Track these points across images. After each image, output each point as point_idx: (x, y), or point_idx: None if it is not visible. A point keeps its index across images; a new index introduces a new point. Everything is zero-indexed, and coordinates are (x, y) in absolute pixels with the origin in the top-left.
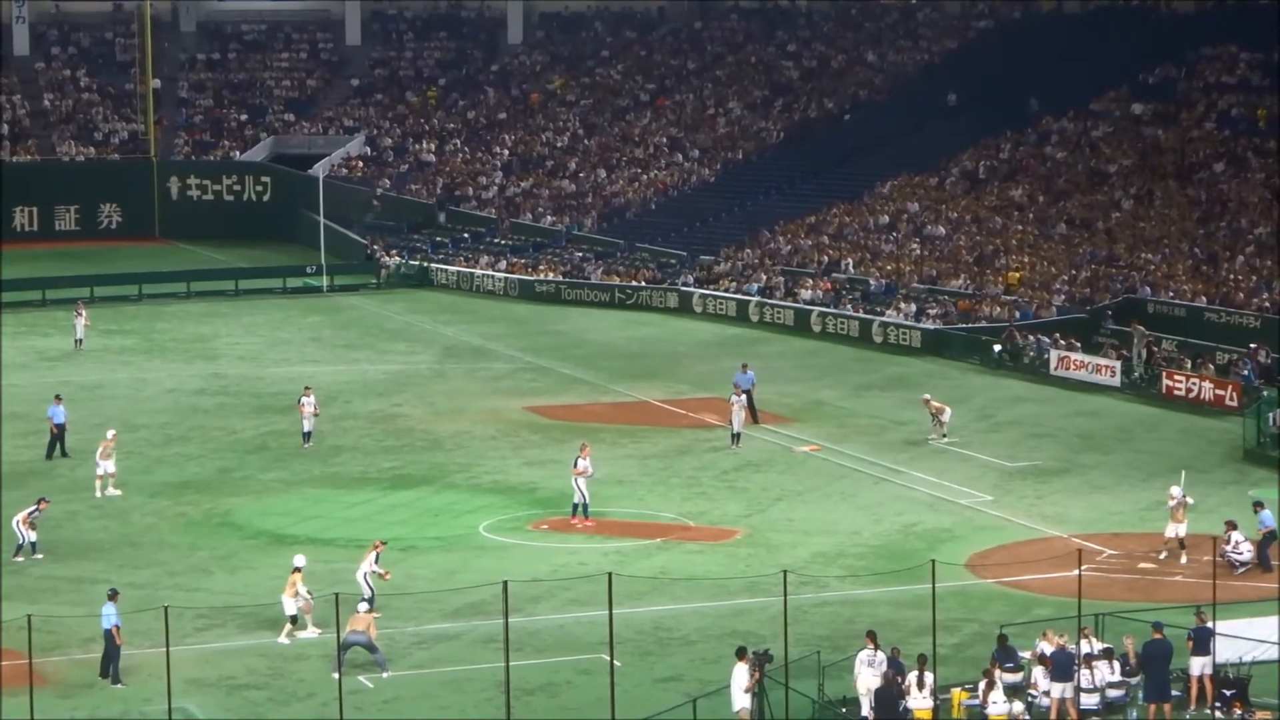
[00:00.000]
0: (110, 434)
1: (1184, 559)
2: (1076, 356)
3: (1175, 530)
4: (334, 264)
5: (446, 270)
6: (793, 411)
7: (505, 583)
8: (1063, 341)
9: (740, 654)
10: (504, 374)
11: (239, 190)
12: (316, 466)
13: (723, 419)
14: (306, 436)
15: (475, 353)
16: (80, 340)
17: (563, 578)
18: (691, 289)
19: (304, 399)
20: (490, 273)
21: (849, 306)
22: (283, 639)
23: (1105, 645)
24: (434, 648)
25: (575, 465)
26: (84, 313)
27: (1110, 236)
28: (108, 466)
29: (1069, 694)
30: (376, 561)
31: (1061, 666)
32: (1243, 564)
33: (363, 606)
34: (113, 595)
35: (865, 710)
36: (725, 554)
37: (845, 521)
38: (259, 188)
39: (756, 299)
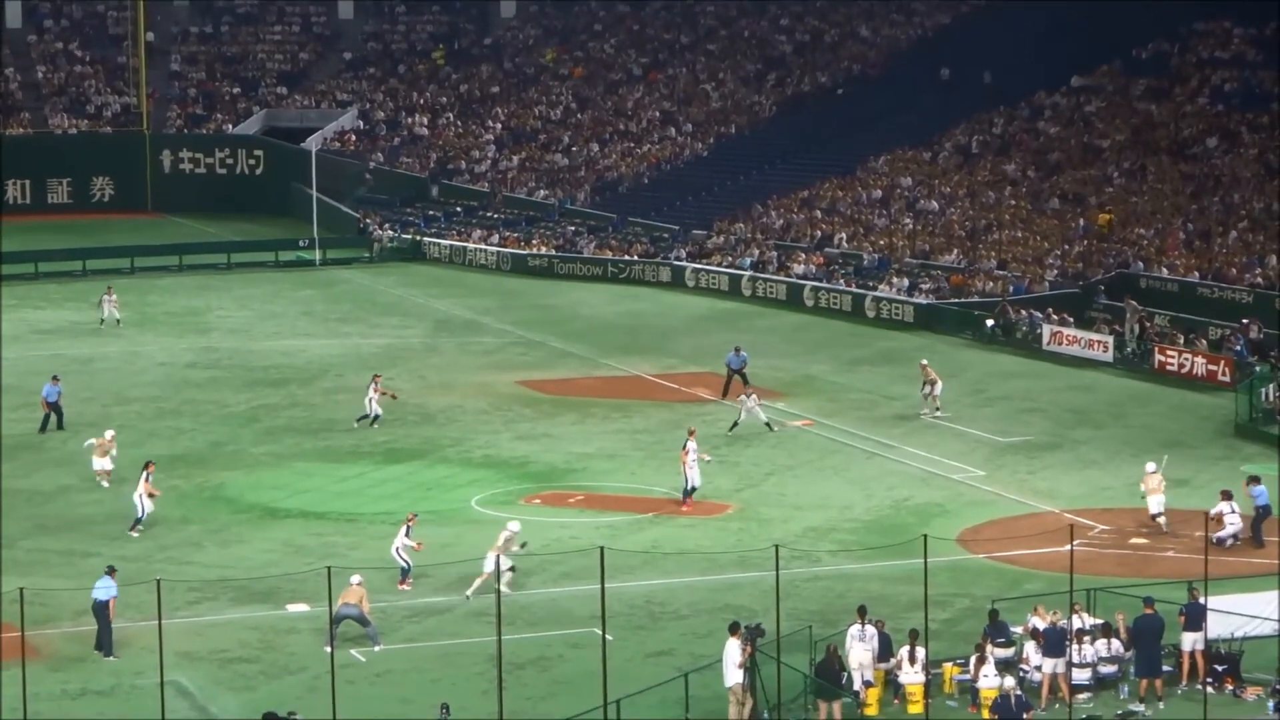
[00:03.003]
0: (109, 434)
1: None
2: (1069, 331)
3: (1157, 504)
4: (326, 237)
5: (439, 244)
6: (784, 386)
7: (498, 556)
8: (1055, 316)
9: (733, 629)
10: (496, 348)
11: (231, 164)
12: (308, 440)
13: (714, 394)
14: (373, 419)
15: (467, 326)
16: (107, 319)
17: (555, 552)
18: (684, 263)
19: (371, 386)
20: (482, 246)
21: (841, 281)
22: (470, 592)
23: (1101, 621)
24: (426, 621)
25: (684, 448)
26: (114, 295)
27: (1103, 211)
28: (104, 464)
29: (1061, 669)
30: (409, 534)
31: (1054, 642)
32: (1230, 537)
33: (355, 579)
34: (111, 571)
35: (857, 683)
36: (717, 528)
37: (837, 496)
38: (251, 161)
39: (749, 273)
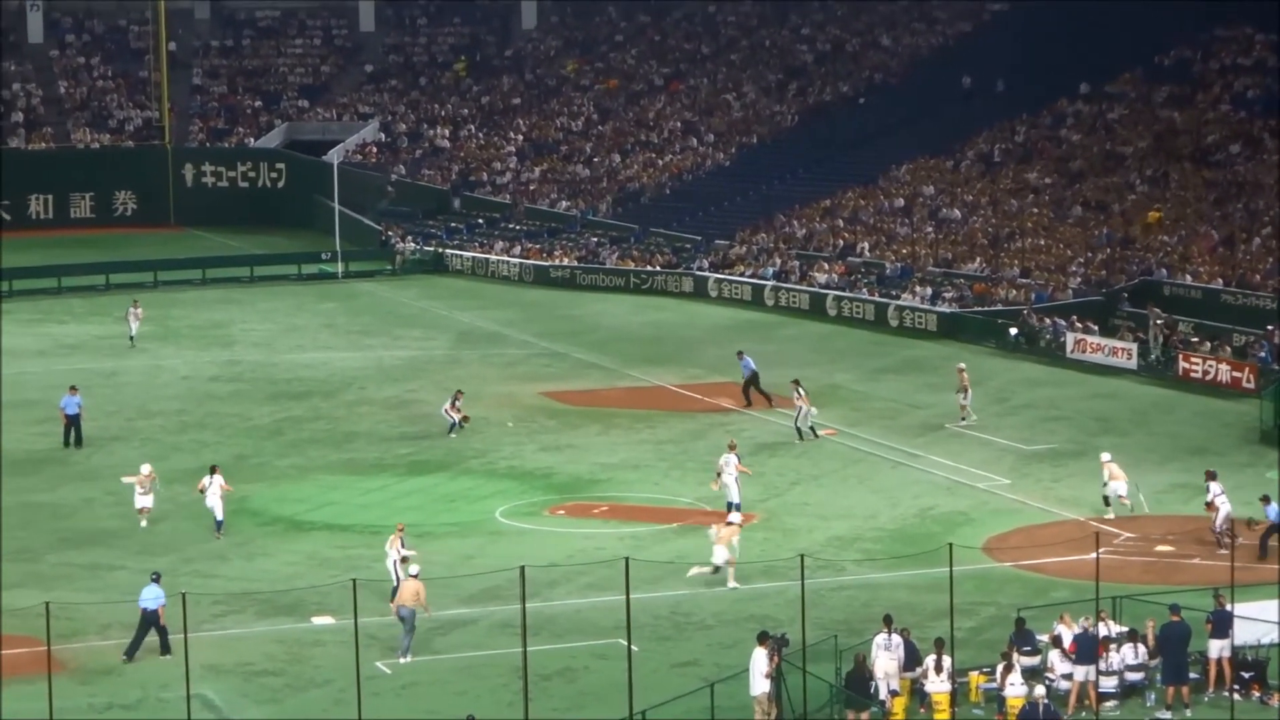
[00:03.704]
0: (146, 469)
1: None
2: (1092, 339)
3: (1121, 488)
4: (348, 250)
5: (461, 256)
6: (809, 395)
7: (522, 568)
8: (1079, 324)
9: (761, 639)
10: (519, 359)
11: (253, 177)
12: (332, 453)
13: (737, 404)
14: (451, 428)
15: (490, 338)
16: (131, 337)
17: (580, 563)
18: (706, 273)
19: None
20: (505, 258)
21: (864, 290)
22: (693, 572)
23: (1127, 628)
24: (451, 634)
25: (730, 465)
26: (140, 309)
27: (1126, 219)
28: (146, 501)
29: (1092, 676)
30: (403, 545)
31: (1085, 649)
32: (1225, 521)
33: (413, 569)
34: (156, 579)
35: (883, 693)
36: (742, 538)
37: (862, 505)
38: (273, 174)
39: (771, 283)
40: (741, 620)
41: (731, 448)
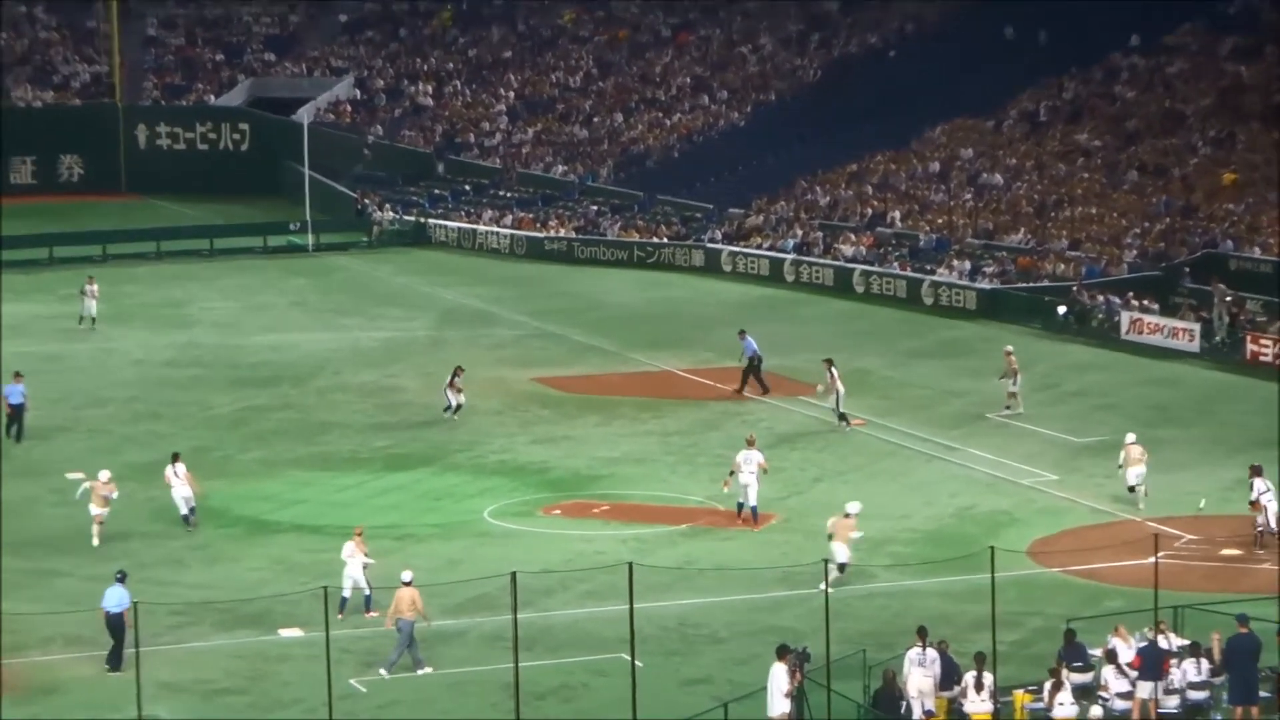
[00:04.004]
0: (104, 475)
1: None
2: (1150, 319)
3: (1136, 476)
4: (320, 220)
5: (445, 227)
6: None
7: (514, 574)
8: (1135, 302)
9: (781, 653)
10: (510, 341)
11: (214, 139)
12: (302, 446)
13: (753, 390)
14: (455, 409)
15: (478, 318)
16: (85, 316)
17: (578, 568)
18: (719, 246)
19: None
20: (494, 229)
21: (895, 264)
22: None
23: (1189, 641)
24: (434, 647)
25: (752, 463)
26: (95, 286)
27: (1187, 185)
28: (101, 512)
29: (1156, 694)
30: (365, 553)
31: (1151, 663)
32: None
33: (405, 576)
34: (121, 578)
35: (917, 714)
36: (759, 541)
37: (893, 504)
38: (236, 136)
39: (792, 257)
40: (758, 632)
41: (750, 443)
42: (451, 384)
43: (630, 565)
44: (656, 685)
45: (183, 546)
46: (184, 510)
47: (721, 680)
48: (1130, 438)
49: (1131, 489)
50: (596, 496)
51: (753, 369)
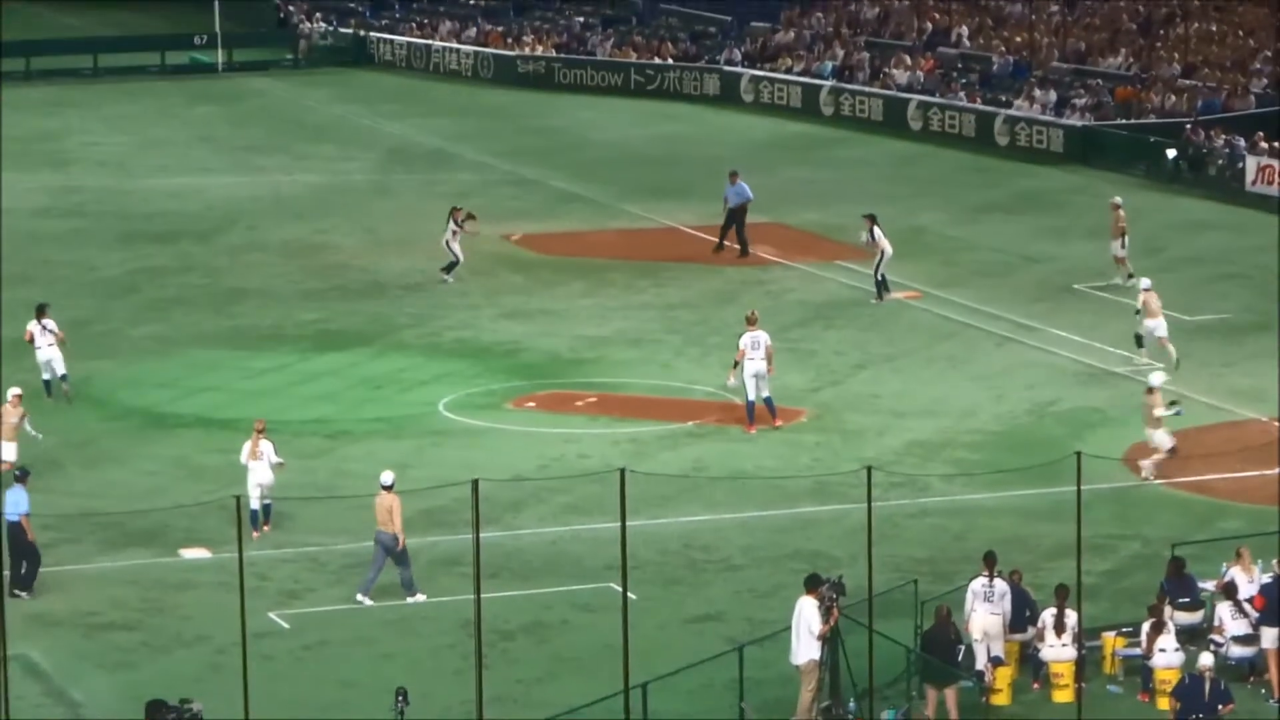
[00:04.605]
0: (13, 393)
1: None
2: None
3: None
4: (233, 33)
5: (392, 42)
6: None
7: (475, 482)
8: (1264, 145)
9: (810, 585)
10: (473, 188)
11: None
12: (209, 318)
13: (782, 253)
14: (452, 266)
15: (433, 158)
16: None
17: (556, 475)
18: (739, 69)
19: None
20: (453, 45)
21: (962, 95)
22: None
23: None
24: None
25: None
26: None
27: None
28: (10, 452)
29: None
30: (276, 451)
31: (1276, 604)
32: None
33: (385, 479)
34: (21, 477)
35: (980, 660)
36: (784, 443)
37: (954, 398)
38: None
39: (830, 84)
40: (783, 558)
41: (752, 322)
42: (455, 233)
43: (622, 472)
44: (654, 622)
45: (57, 443)
46: (48, 375)
47: (736, 618)
48: (1145, 283)
49: (1140, 340)
50: (580, 386)
51: (735, 219)
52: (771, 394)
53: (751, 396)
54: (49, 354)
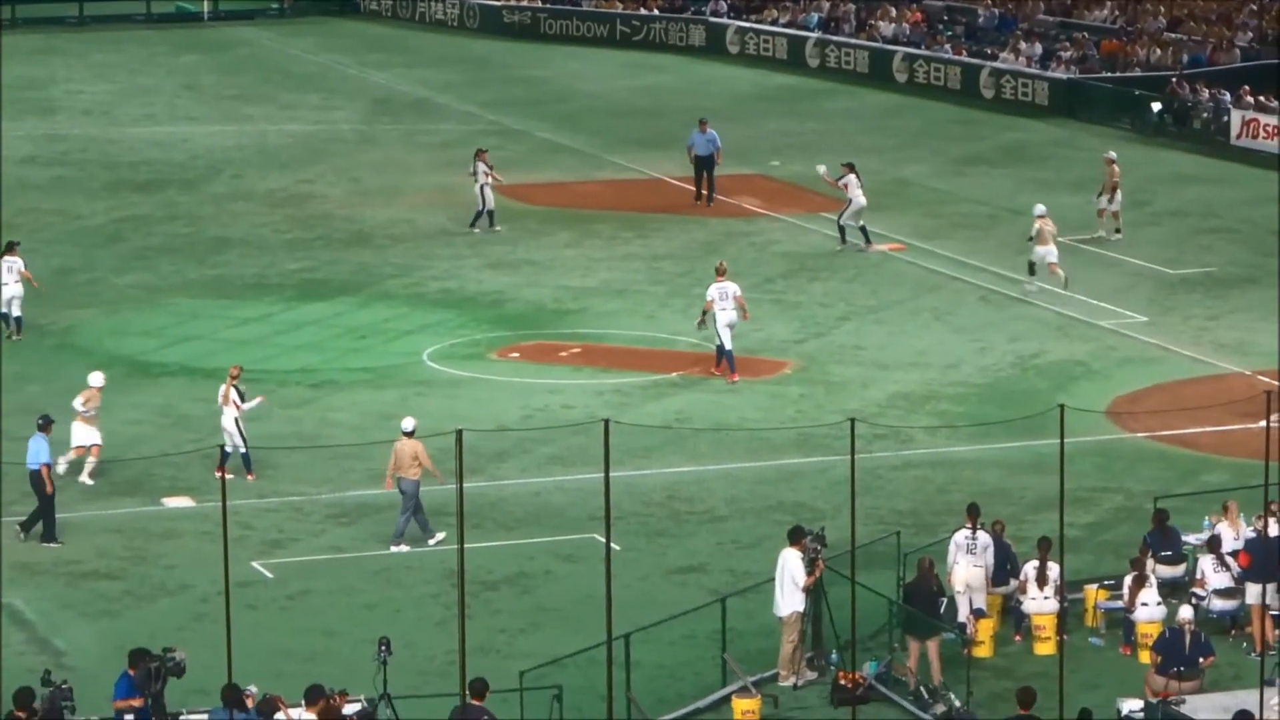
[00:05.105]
0: (96, 379)
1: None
2: (1268, 120)
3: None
4: None
5: None
6: (866, 195)
7: (459, 432)
8: (1249, 98)
9: (794, 536)
10: (458, 139)
11: None
12: (193, 267)
13: (767, 205)
14: (483, 216)
15: (418, 108)
16: None
17: (540, 426)
18: (724, 20)
19: (479, 166)
20: None
21: (947, 47)
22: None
23: None
24: (359, 522)
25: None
26: None
27: None
28: (90, 436)
29: (1271, 599)
30: (244, 398)
31: (1264, 560)
32: None
33: (407, 425)
34: (44, 425)
35: (963, 613)
36: (768, 394)
37: (937, 351)
38: None
39: (816, 35)
40: (766, 510)
41: (721, 272)
42: (485, 178)
43: (606, 423)
44: (636, 573)
45: (42, 392)
46: (5, 310)
47: (718, 569)
48: (1040, 209)
49: (1033, 268)
50: (565, 337)
51: (705, 168)
52: (752, 346)
53: (728, 345)
54: (13, 290)
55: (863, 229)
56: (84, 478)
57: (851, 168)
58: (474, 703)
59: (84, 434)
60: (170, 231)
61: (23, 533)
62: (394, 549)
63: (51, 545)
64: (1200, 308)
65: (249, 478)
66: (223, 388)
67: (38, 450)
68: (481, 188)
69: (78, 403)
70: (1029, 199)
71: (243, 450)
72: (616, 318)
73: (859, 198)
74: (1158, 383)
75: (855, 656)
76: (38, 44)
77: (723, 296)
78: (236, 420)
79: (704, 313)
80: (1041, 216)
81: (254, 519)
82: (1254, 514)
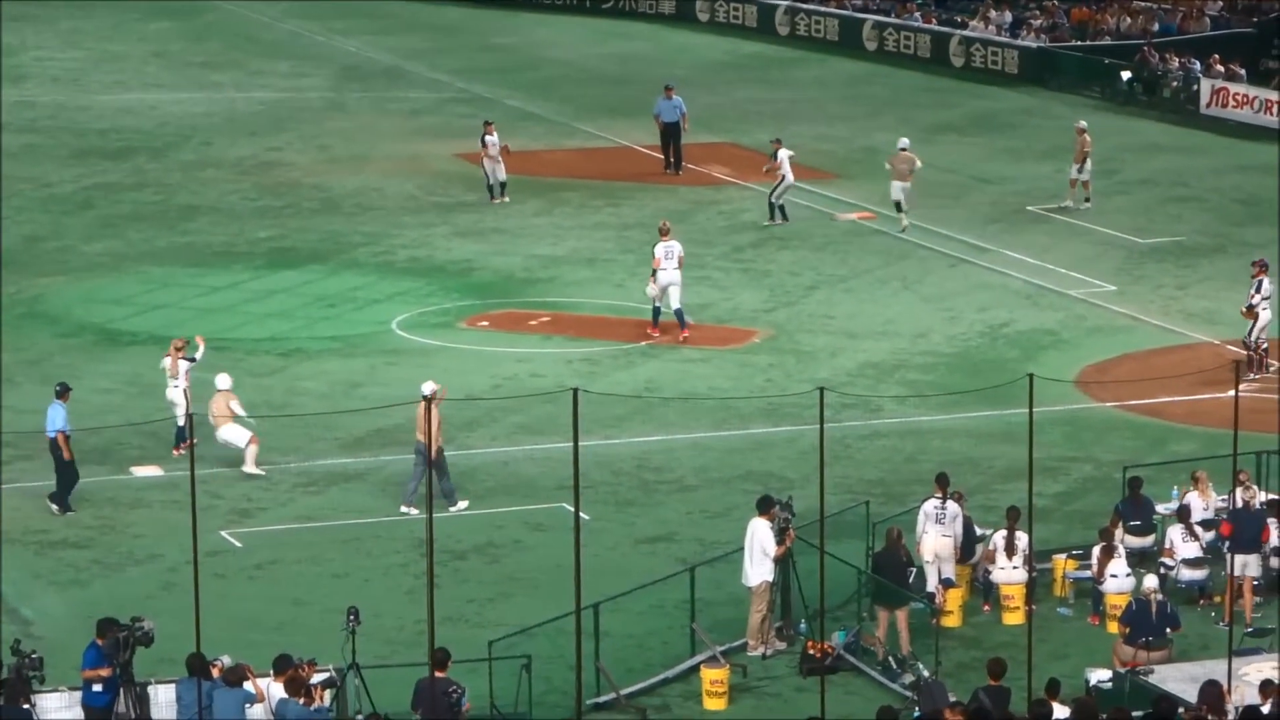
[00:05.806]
0: (223, 382)
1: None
2: (1237, 89)
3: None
4: None
5: None
6: (835, 164)
7: (428, 399)
8: (1219, 68)
9: (763, 506)
10: (428, 106)
11: None
12: (162, 235)
13: (737, 173)
14: (497, 189)
15: (387, 75)
16: None
17: (508, 395)
18: None
19: (488, 138)
20: None
21: (917, 15)
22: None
23: (1276, 496)
24: (327, 491)
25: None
26: None
27: None
28: (230, 435)
29: (1253, 570)
30: (192, 353)
31: (1247, 531)
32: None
33: (427, 388)
34: (61, 392)
35: (931, 583)
36: (737, 363)
37: (907, 319)
38: None
39: (786, 3)
40: (736, 479)
41: (664, 232)
42: (487, 149)
43: (575, 391)
44: (606, 543)
45: (11, 361)
46: None
47: (688, 538)
48: (904, 142)
49: (898, 207)
50: (534, 305)
51: (671, 135)
52: (721, 315)
53: (659, 304)
54: None
55: (781, 207)
56: (251, 468)
57: (780, 142)
58: (439, 675)
59: (235, 434)
60: (139, 199)
61: (56, 506)
62: (405, 509)
63: (54, 508)
64: (1169, 277)
65: (175, 452)
66: (167, 360)
67: (54, 417)
68: (489, 162)
69: (235, 404)
70: (999, 168)
71: (179, 424)
72: (586, 286)
73: (789, 174)
74: (1127, 352)
75: (824, 626)
76: (7, 10)
77: (667, 255)
78: (185, 391)
79: (654, 271)
80: (905, 150)
81: (223, 488)
82: (1224, 483)
